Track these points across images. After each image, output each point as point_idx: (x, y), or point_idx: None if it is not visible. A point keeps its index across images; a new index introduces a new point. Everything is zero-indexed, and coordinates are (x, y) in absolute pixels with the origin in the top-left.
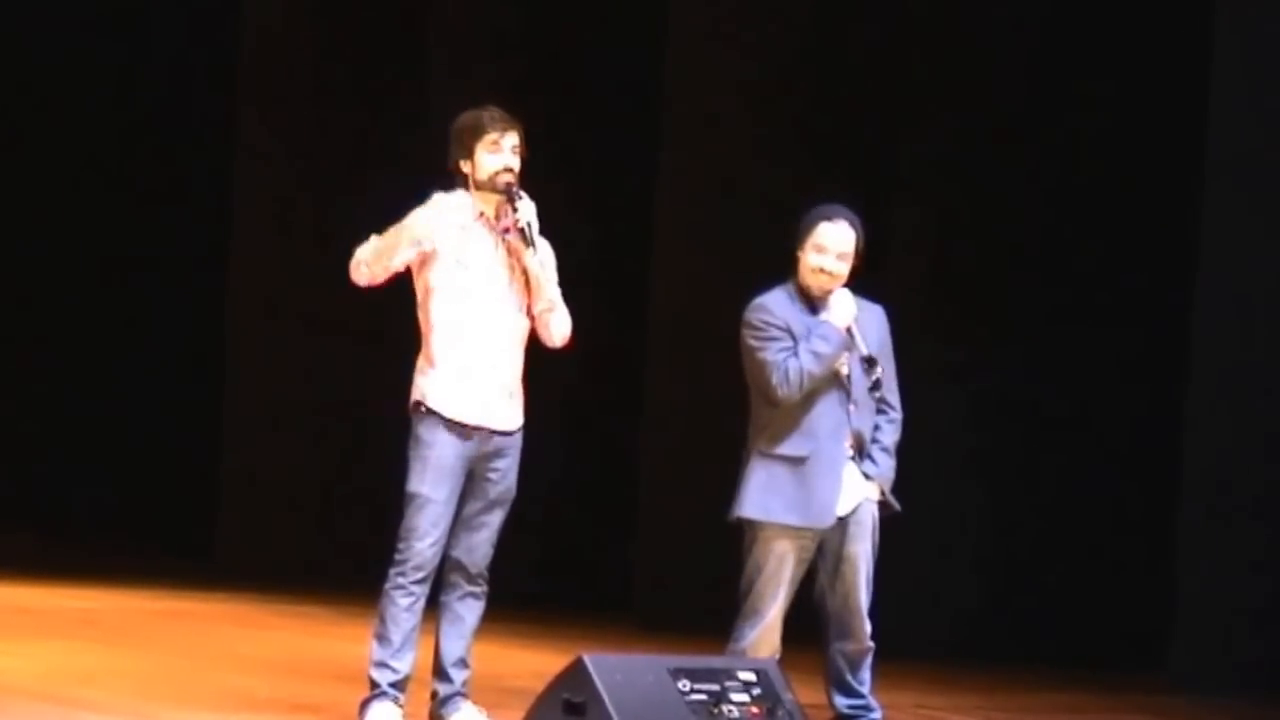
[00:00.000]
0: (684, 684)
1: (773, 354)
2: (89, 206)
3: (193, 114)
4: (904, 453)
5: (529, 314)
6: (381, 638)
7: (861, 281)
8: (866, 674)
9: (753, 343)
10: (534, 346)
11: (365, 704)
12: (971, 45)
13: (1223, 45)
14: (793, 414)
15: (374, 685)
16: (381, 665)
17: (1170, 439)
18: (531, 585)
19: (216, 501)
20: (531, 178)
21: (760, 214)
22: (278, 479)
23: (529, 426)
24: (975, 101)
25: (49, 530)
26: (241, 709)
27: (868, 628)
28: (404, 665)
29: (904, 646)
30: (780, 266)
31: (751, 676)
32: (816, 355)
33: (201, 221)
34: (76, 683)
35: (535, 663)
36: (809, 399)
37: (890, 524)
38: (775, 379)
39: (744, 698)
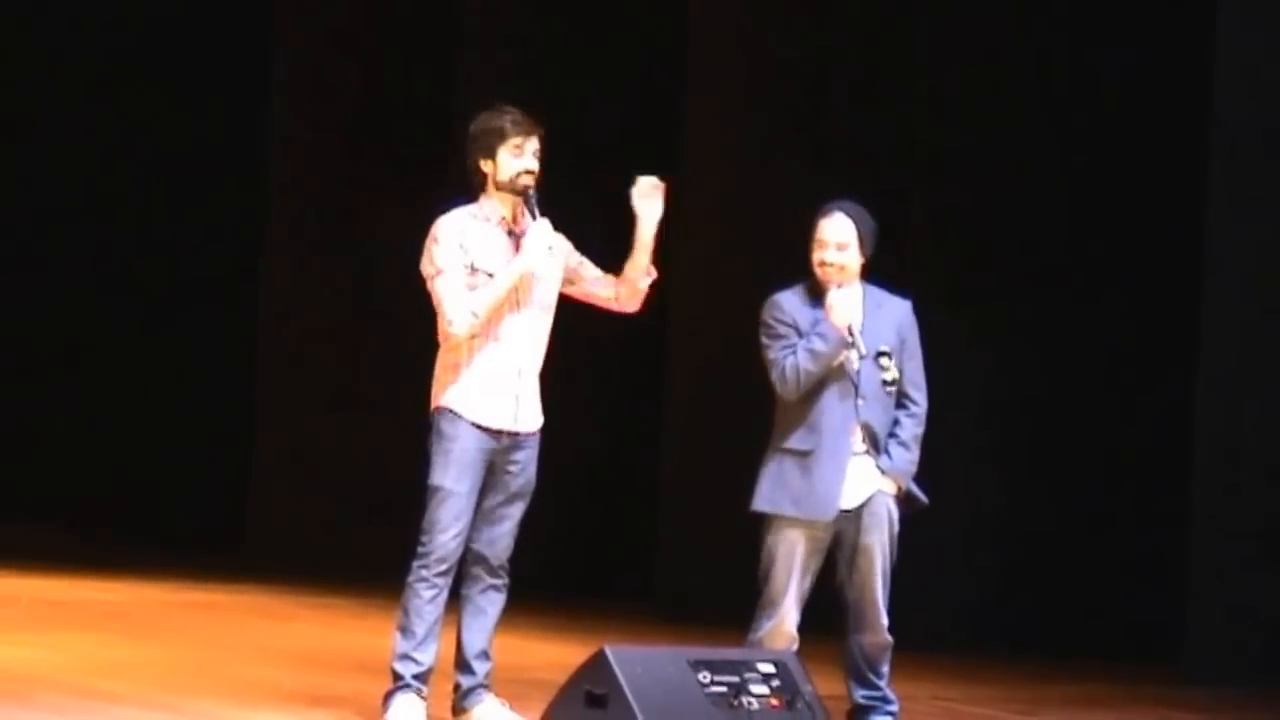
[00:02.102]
0: (704, 676)
1: (775, 351)
2: (117, 204)
3: (226, 104)
4: (920, 445)
5: (616, 296)
6: (404, 630)
7: (879, 274)
8: (885, 667)
9: (763, 339)
10: (557, 342)
11: (388, 696)
12: (983, 39)
13: (1226, 36)
14: (800, 409)
15: (397, 677)
16: (405, 657)
17: (1183, 430)
18: (552, 577)
19: (243, 495)
20: (551, 177)
21: (778, 208)
22: (305, 473)
23: (551, 419)
24: (989, 98)
25: (76, 523)
26: (266, 701)
27: (885, 621)
28: (427, 657)
29: (920, 639)
30: (798, 257)
31: (771, 668)
32: (813, 354)
33: (234, 214)
34: (103, 674)
35: (557, 655)
36: (814, 395)
37: (907, 516)
38: (774, 376)
39: (764, 689)
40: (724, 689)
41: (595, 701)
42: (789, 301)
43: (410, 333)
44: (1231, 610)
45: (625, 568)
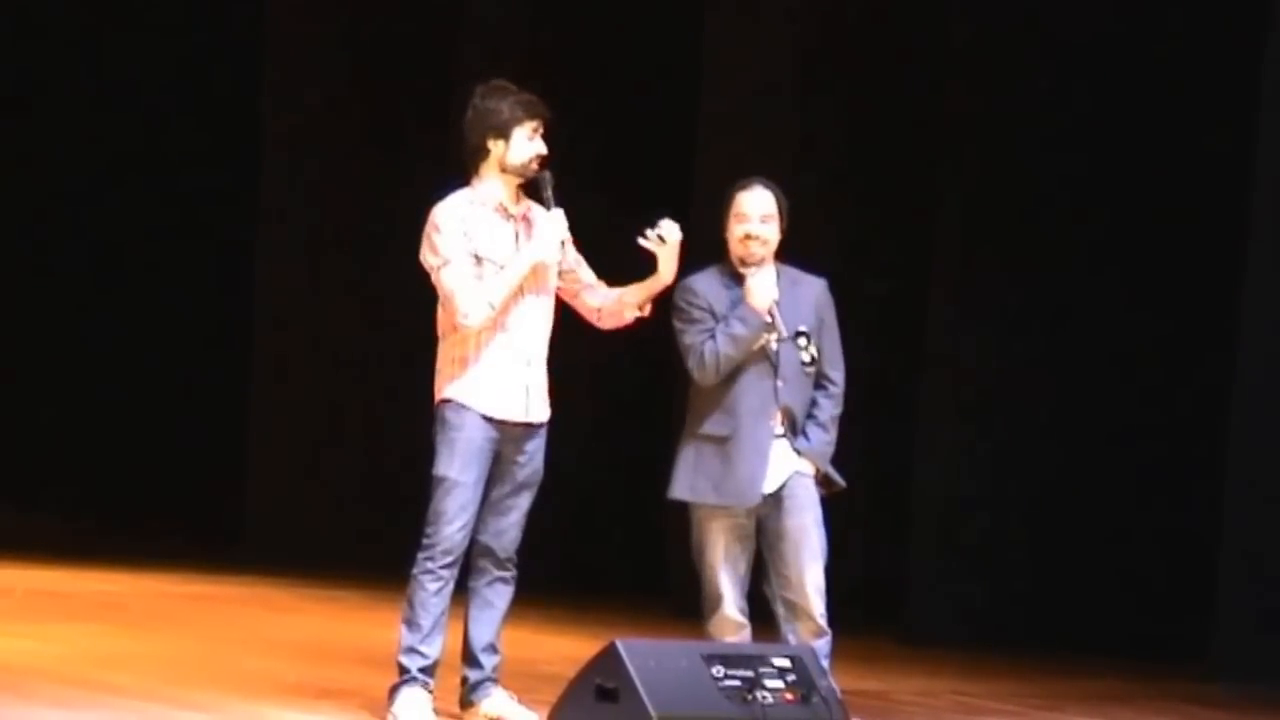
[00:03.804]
0: (718, 670)
1: (692, 336)
2: (113, 198)
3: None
4: (942, 438)
5: (599, 310)
6: (411, 623)
7: (910, 253)
8: (823, 659)
9: (676, 324)
10: (567, 333)
11: (394, 689)
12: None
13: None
14: (717, 393)
15: (403, 671)
16: (411, 651)
17: (1215, 425)
18: (564, 570)
19: (244, 486)
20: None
21: (794, 199)
22: (306, 463)
23: (561, 412)
24: (1024, 79)
25: (76, 514)
26: (269, 693)
27: (819, 608)
28: (433, 650)
29: (941, 633)
30: (807, 251)
31: (786, 663)
32: (733, 338)
33: (230, 209)
34: (103, 666)
35: (567, 648)
36: (733, 378)
37: (931, 511)
38: (691, 362)
39: (778, 684)
40: (738, 683)
41: (606, 695)
42: (703, 284)
43: (410, 321)
44: (1261, 607)
45: (638, 562)
